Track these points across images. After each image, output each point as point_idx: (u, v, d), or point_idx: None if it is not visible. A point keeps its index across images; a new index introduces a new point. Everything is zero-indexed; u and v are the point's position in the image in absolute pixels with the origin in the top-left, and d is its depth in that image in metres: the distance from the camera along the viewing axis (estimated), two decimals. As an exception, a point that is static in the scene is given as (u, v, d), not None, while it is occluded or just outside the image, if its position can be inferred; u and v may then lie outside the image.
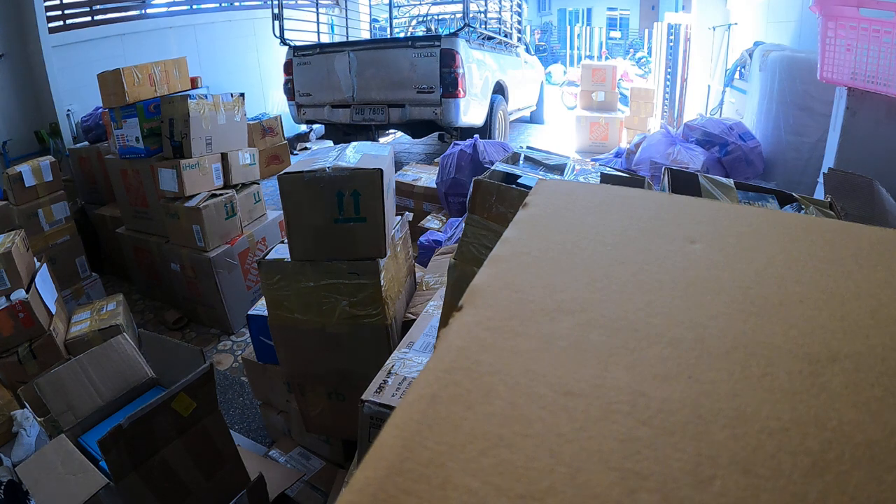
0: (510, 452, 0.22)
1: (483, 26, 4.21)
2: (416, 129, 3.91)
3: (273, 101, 5.38)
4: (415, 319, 1.08)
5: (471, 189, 0.78)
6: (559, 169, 0.94)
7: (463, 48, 3.52)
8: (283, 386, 1.41)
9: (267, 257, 1.23)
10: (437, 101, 3.52)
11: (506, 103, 4.43)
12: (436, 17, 5.68)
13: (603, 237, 0.37)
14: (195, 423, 1.03)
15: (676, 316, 0.30)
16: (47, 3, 3.55)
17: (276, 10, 3.98)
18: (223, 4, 5.11)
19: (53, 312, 1.71)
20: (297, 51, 3.91)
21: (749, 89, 3.04)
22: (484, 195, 0.77)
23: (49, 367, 1.44)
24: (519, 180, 0.82)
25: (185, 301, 2.30)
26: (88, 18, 3.94)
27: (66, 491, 0.96)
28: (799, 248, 0.35)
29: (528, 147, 1.11)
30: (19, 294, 1.59)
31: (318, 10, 4.62)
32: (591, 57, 12.54)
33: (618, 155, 3.04)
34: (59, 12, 3.71)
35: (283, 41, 4.02)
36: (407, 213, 1.49)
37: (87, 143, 2.95)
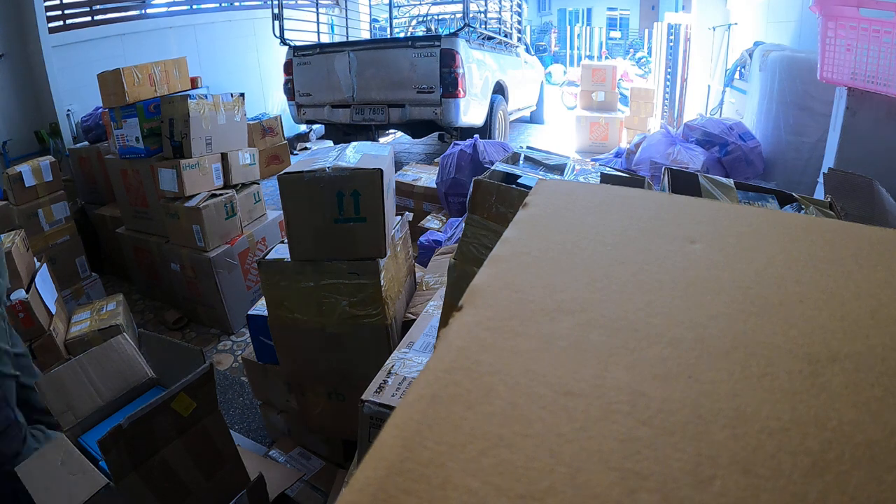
0: (510, 452, 0.22)
1: (483, 26, 4.21)
2: (416, 129, 3.91)
3: (273, 101, 5.38)
4: (415, 319, 1.08)
5: (471, 189, 0.78)
6: (559, 169, 0.94)
7: (463, 48, 3.52)
8: (283, 386, 1.41)
9: (267, 257, 1.23)
10: (437, 101, 3.52)
11: (506, 103, 4.43)
12: (436, 17, 5.68)
13: (603, 237, 0.37)
14: (195, 423, 1.03)
15: (676, 316, 0.30)
16: (47, 3, 3.55)
17: (276, 10, 3.98)
18: (223, 4, 5.11)
19: (53, 312, 1.71)
20: (297, 51, 3.91)
21: (749, 89, 3.04)
22: (484, 195, 0.77)
23: (49, 367, 1.44)
24: (519, 180, 0.82)
25: (185, 301, 2.30)
26: (88, 18, 3.94)
27: (66, 491, 0.96)
28: (799, 248, 0.35)
29: (528, 147, 1.11)
30: (19, 294, 1.59)
31: (318, 10, 4.63)
32: (591, 57, 12.55)
33: (618, 155, 3.04)
34: (59, 12, 3.71)
35: (283, 41, 4.02)
36: (407, 213, 1.49)
37: (87, 143, 2.95)
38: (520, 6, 5.25)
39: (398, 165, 3.32)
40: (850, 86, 1.84)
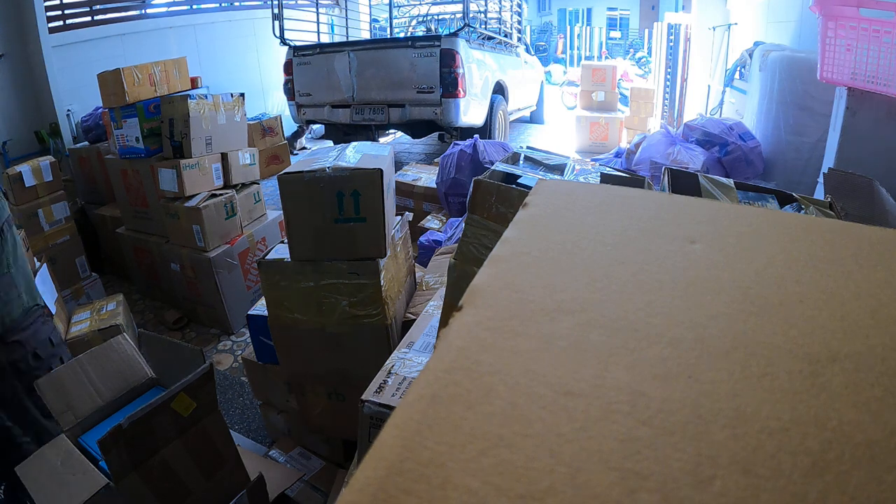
0: (510, 452, 0.22)
1: (483, 26, 4.21)
2: (416, 129, 3.91)
3: (273, 101, 5.38)
4: (415, 319, 1.08)
5: (471, 189, 0.78)
6: (559, 169, 0.94)
7: (463, 48, 3.52)
8: (283, 386, 1.41)
9: (267, 257, 1.23)
10: (437, 101, 3.52)
11: (506, 103, 4.43)
12: (436, 17, 5.68)
13: (603, 237, 0.37)
14: (195, 423, 1.03)
15: (676, 316, 0.30)
16: (47, 3, 3.56)
17: (276, 10, 3.98)
18: (223, 4, 5.11)
19: (53, 312, 1.71)
20: (297, 51, 3.91)
21: (749, 89, 3.04)
22: (484, 195, 0.77)
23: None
24: (519, 180, 0.82)
25: (185, 301, 2.30)
26: (88, 18, 3.94)
27: (66, 491, 0.96)
28: (799, 248, 0.35)
29: (528, 147, 1.11)
30: (19, 294, 1.59)
31: (318, 10, 4.63)
32: (590, 57, 12.55)
33: (618, 155, 3.04)
34: (59, 12, 3.71)
35: (283, 41, 4.02)
36: (407, 213, 1.49)
37: (87, 143, 2.95)
38: (520, 6, 5.25)
39: (398, 165, 3.32)
40: (850, 86, 1.84)
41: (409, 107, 3.62)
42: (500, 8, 4.65)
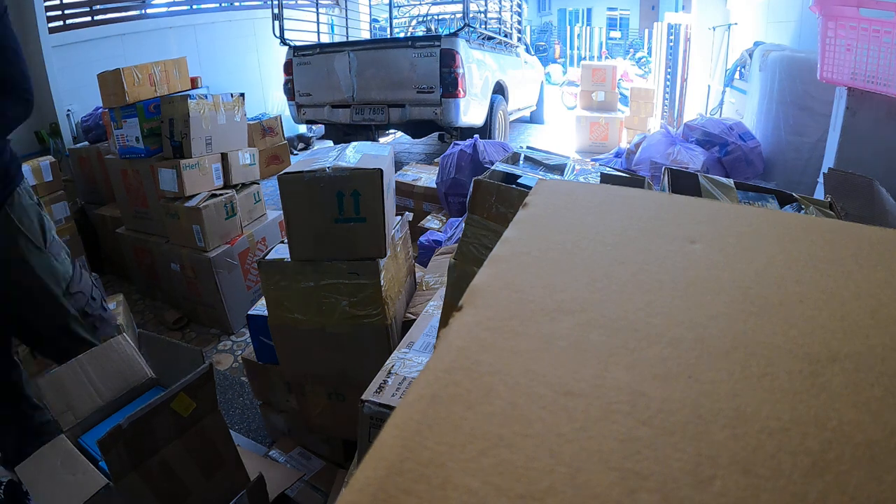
0: (510, 452, 0.22)
1: (483, 26, 4.21)
2: (416, 129, 3.91)
3: (273, 101, 5.38)
4: (415, 319, 1.08)
5: (471, 189, 0.78)
6: (559, 169, 0.94)
7: (463, 48, 3.52)
8: (283, 386, 1.41)
9: (267, 257, 1.23)
10: (437, 101, 3.52)
11: (506, 103, 4.43)
12: (436, 17, 5.68)
13: (603, 237, 0.37)
14: (195, 424, 1.03)
15: (676, 316, 0.30)
16: (47, 3, 3.55)
17: (276, 10, 3.98)
18: (223, 4, 5.11)
19: (53, 312, 1.71)
20: (297, 51, 3.91)
21: (749, 89, 3.04)
22: (484, 195, 0.77)
23: (49, 366, 1.44)
24: (519, 180, 0.82)
25: (185, 301, 2.30)
26: (88, 18, 3.94)
27: (65, 491, 0.96)
28: (799, 248, 0.35)
29: (528, 147, 1.11)
30: (19, 294, 1.59)
31: (318, 10, 4.63)
32: (591, 57, 12.55)
33: (618, 155, 3.04)
34: (59, 12, 3.71)
35: (283, 41, 4.02)
36: (407, 213, 1.49)
37: (87, 143, 2.95)
38: (520, 6, 5.25)
39: (398, 165, 3.32)
40: (850, 86, 1.84)
41: (409, 107, 3.62)
42: (500, 8, 4.65)
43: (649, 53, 8.63)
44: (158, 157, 2.22)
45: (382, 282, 1.18)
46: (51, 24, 3.58)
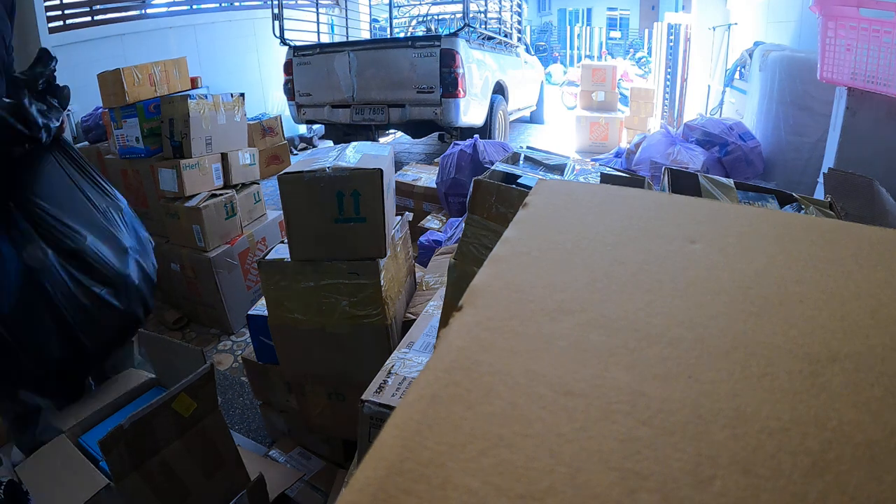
0: (510, 452, 0.22)
1: (483, 26, 4.21)
2: (416, 129, 3.91)
3: (273, 101, 5.38)
4: (415, 319, 1.08)
5: (471, 189, 0.78)
6: (559, 169, 0.94)
7: (463, 48, 3.52)
8: (283, 386, 1.41)
9: (267, 257, 1.23)
10: (437, 101, 3.52)
11: (506, 103, 4.43)
12: (436, 17, 5.68)
13: (603, 237, 0.37)
14: (195, 424, 1.03)
15: (676, 316, 0.30)
16: (47, 3, 3.55)
17: (276, 10, 3.98)
18: (223, 4, 5.11)
19: (53, 312, 1.71)
20: (297, 51, 3.91)
21: (749, 89, 3.04)
22: (484, 195, 0.77)
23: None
24: (519, 180, 0.82)
25: (185, 301, 2.30)
26: (88, 18, 3.94)
27: (66, 491, 0.97)
28: (799, 248, 0.35)
29: (528, 147, 1.11)
30: (19, 294, 1.59)
31: (318, 10, 4.63)
32: (591, 57, 12.55)
33: (618, 155, 3.04)
34: (59, 12, 3.71)
35: (283, 41, 4.02)
36: (407, 213, 1.49)
37: (87, 143, 2.95)
38: (520, 6, 5.25)
39: (398, 165, 3.32)
40: (850, 86, 1.84)
41: (409, 107, 3.62)
42: (500, 8, 4.65)
43: (649, 53, 8.63)
44: (158, 157, 2.22)
45: (382, 282, 1.18)
46: (51, 24, 3.58)
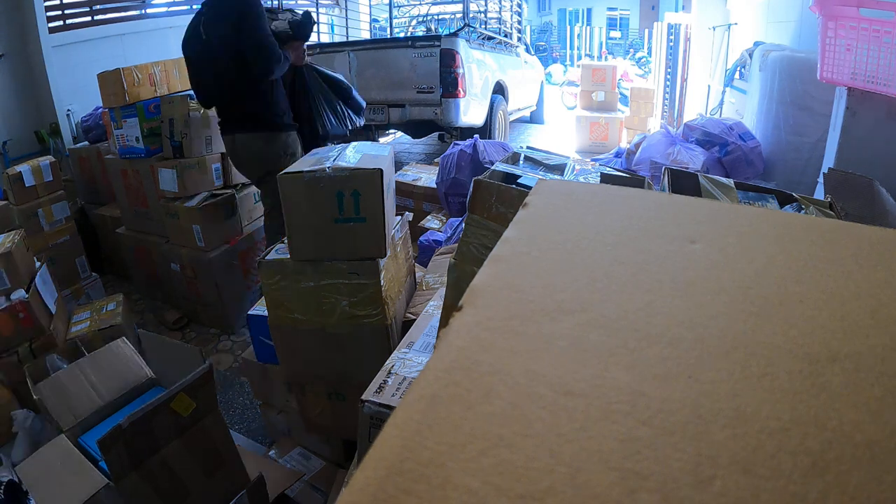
0: (510, 452, 0.22)
1: (483, 26, 4.21)
2: (416, 129, 3.91)
3: (273, 101, 5.36)
4: (415, 319, 1.08)
5: (471, 189, 0.78)
6: (559, 169, 0.94)
7: (463, 48, 3.52)
8: (283, 386, 1.41)
9: (267, 257, 1.23)
10: (437, 101, 3.52)
11: (506, 103, 4.43)
12: (436, 17, 5.68)
13: (603, 237, 0.37)
14: (195, 423, 1.03)
15: (676, 316, 0.30)
16: (47, 3, 3.55)
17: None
18: (223, 4, 5.10)
19: (53, 312, 1.71)
20: (297, 51, 3.90)
21: (749, 89, 3.04)
22: (484, 195, 0.77)
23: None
24: (519, 180, 0.82)
25: (185, 301, 2.30)
26: (88, 18, 3.94)
27: (65, 491, 0.96)
28: (799, 248, 0.35)
29: (528, 147, 1.11)
30: (19, 294, 1.59)
31: (318, 10, 4.63)
32: (591, 57, 12.56)
33: (618, 155, 3.04)
34: (59, 12, 3.71)
35: (284, 41, 4.01)
36: (407, 213, 1.49)
37: (87, 143, 2.95)
38: (520, 6, 5.25)
39: (398, 165, 3.31)
40: (850, 86, 1.84)
41: (409, 107, 3.62)
42: (500, 8, 4.65)
43: (649, 53, 8.63)
44: (158, 157, 2.22)
45: (382, 282, 1.18)
46: (51, 24, 3.58)
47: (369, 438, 0.80)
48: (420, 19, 5.71)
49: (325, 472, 1.36)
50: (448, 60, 3.45)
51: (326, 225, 1.14)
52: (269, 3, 4.05)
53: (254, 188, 2.36)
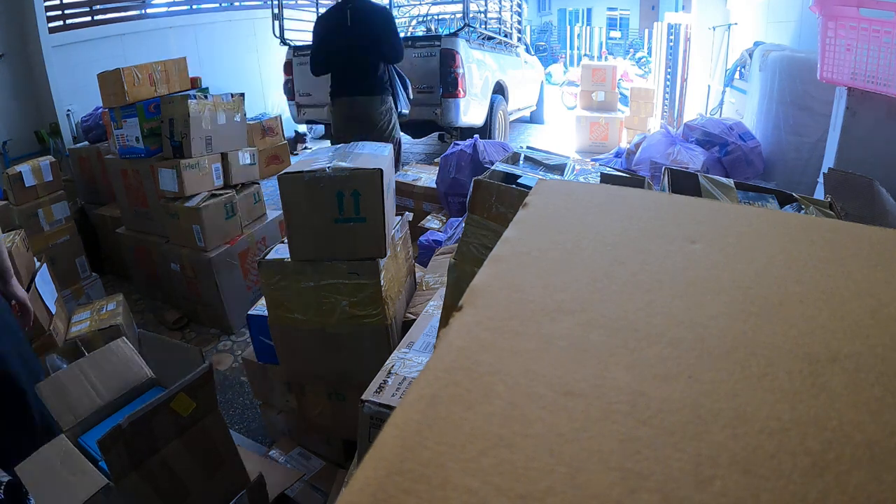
0: (510, 452, 0.22)
1: (483, 26, 4.21)
2: (416, 129, 3.91)
3: (273, 101, 5.38)
4: (415, 319, 1.08)
5: (471, 189, 0.78)
6: (559, 169, 0.94)
7: (463, 48, 3.52)
8: (283, 386, 1.41)
9: (267, 257, 1.23)
10: (437, 101, 3.52)
11: (506, 103, 4.43)
12: (436, 17, 5.67)
13: (603, 237, 0.37)
14: (195, 423, 1.03)
15: (676, 316, 0.30)
16: (47, 3, 3.56)
17: (276, 10, 3.98)
18: (223, 4, 5.11)
19: (53, 312, 1.71)
20: (297, 51, 3.90)
21: (749, 89, 3.04)
22: (484, 195, 0.77)
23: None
24: (519, 180, 0.82)
25: (185, 301, 2.30)
26: (88, 18, 3.94)
27: (65, 491, 0.96)
28: (799, 248, 0.35)
29: (528, 147, 1.11)
30: (19, 294, 1.58)
31: (318, 10, 4.62)
32: (591, 57, 12.55)
33: (618, 155, 3.04)
34: (59, 12, 3.71)
35: (283, 41, 4.02)
36: (407, 213, 1.49)
37: (87, 143, 2.95)
38: (520, 6, 5.25)
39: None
40: (850, 86, 1.84)
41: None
42: (500, 8, 4.65)
43: (649, 53, 8.63)
44: (158, 157, 2.22)
45: (382, 282, 1.18)
46: (51, 24, 3.59)
47: (369, 438, 0.80)
48: (420, 19, 5.71)
49: (325, 472, 1.36)
50: (448, 60, 3.45)
51: (326, 225, 1.14)
52: (271, 6, 4.05)
53: (254, 188, 2.36)
